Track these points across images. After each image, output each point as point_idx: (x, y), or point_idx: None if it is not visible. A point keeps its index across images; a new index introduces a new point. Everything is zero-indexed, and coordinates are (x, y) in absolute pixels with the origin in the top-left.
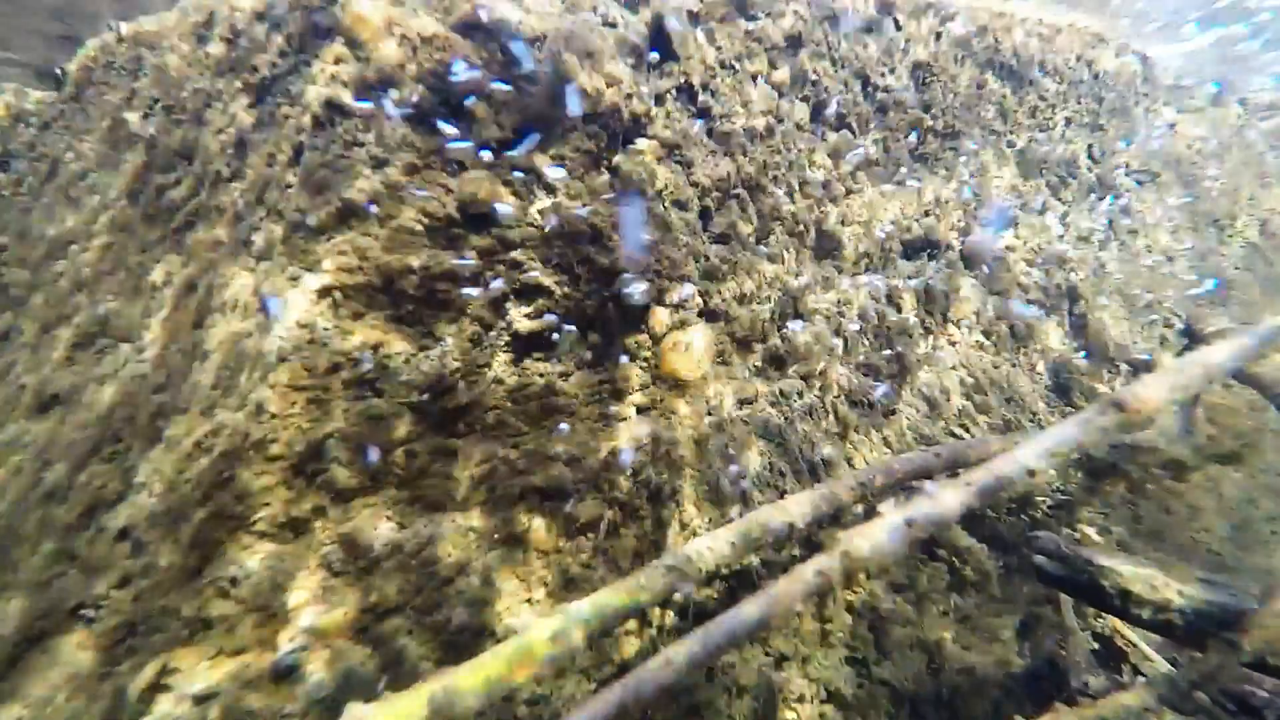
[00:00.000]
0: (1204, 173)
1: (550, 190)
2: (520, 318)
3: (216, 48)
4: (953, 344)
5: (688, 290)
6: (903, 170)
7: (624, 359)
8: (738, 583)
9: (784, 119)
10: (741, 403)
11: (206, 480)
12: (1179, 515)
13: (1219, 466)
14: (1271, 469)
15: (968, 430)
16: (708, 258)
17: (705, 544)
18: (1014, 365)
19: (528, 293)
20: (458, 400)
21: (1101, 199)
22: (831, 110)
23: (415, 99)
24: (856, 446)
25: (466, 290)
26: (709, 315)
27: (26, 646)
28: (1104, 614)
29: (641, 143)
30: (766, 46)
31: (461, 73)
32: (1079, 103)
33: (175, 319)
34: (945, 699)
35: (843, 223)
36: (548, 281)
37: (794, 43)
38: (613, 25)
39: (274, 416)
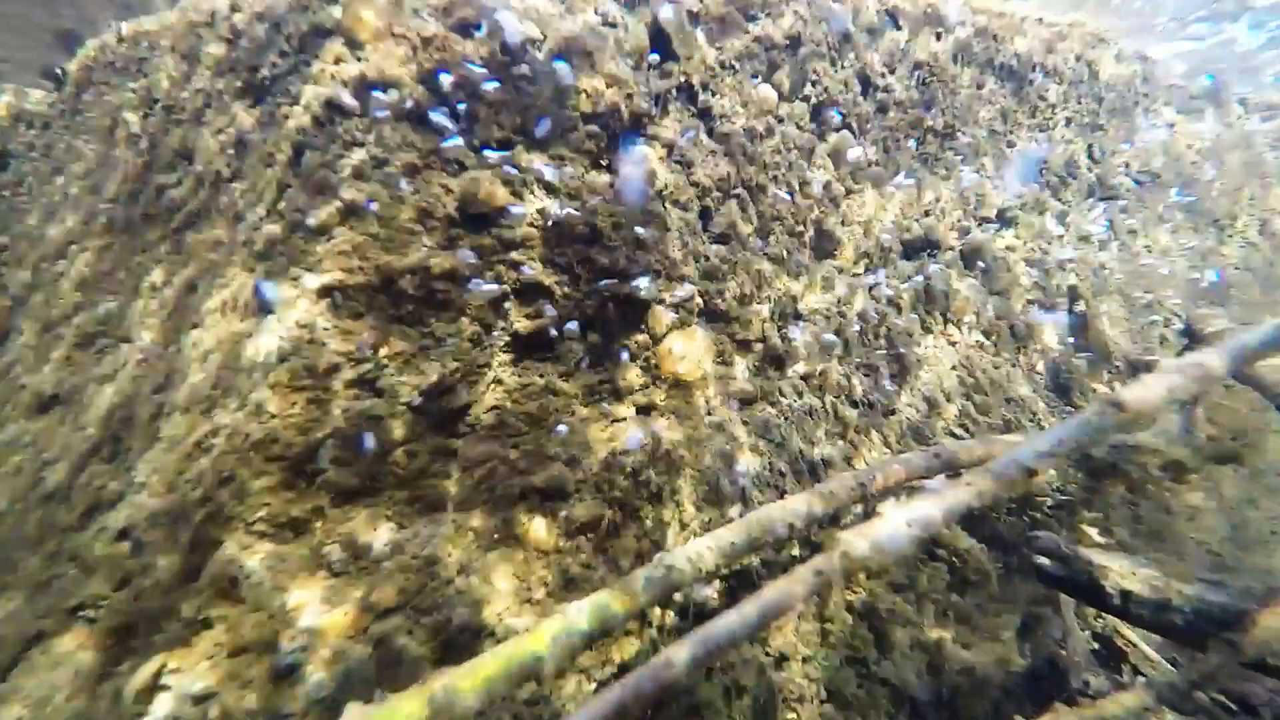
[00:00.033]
0: (1204, 173)
1: (550, 190)
2: (520, 318)
3: (216, 48)
4: (952, 344)
5: (688, 290)
6: (902, 170)
7: (624, 359)
8: (738, 583)
9: (784, 119)
10: (741, 403)
11: (206, 480)
12: (1179, 515)
13: (1219, 466)
14: (1271, 469)
15: (967, 430)
16: (708, 258)
17: (705, 544)
18: (1014, 365)
19: (528, 293)
20: (457, 400)
21: (1102, 199)
22: (831, 110)
23: (415, 99)
24: (856, 446)
25: (466, 290)
26: (709, 315)
27: (26, 646)
28: (1104, 614)
29: (641, 142)
30: (766, 46)
31: (461, 73)
32: (1079, 103)
33: (175, 319)
34: (945, 699)
35: (842, 223)
36: (548, 281)
37: (794, 43)
38: (613, 25)
39: (274, 416)
